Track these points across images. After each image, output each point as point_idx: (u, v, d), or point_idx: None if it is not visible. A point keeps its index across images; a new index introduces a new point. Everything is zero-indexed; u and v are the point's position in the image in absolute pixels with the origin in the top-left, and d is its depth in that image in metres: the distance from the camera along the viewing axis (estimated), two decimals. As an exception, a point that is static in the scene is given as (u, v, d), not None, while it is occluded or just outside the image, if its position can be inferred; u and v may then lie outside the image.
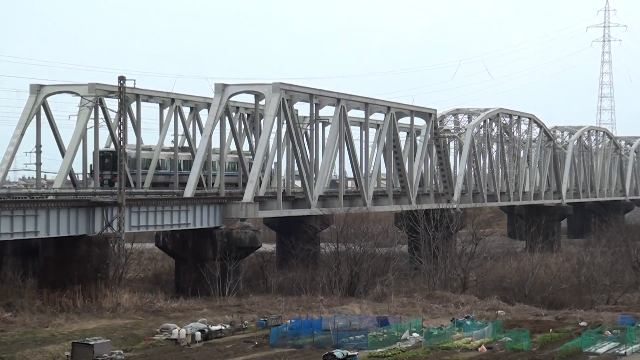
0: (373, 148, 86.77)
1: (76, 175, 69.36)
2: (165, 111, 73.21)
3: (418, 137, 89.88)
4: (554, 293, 62.45)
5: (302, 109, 77.16)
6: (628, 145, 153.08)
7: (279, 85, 66.68)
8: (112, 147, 69.27)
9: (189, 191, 63.14)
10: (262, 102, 70.78)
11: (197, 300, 56.94)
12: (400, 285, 65.78)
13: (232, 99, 69.79)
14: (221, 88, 66.58)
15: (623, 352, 38.82)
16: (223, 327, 46.28)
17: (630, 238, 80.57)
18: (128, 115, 66.16)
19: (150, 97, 71.63)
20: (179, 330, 44.01)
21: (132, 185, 66.96)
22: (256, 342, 43.32)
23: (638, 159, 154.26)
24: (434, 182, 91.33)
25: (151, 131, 77.35)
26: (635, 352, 39.13)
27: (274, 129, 68.35)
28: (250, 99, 73.97)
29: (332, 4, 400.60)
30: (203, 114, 74.70)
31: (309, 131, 75.09)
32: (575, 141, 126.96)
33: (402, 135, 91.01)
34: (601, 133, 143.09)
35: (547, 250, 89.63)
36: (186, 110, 75.80)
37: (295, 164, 70.13)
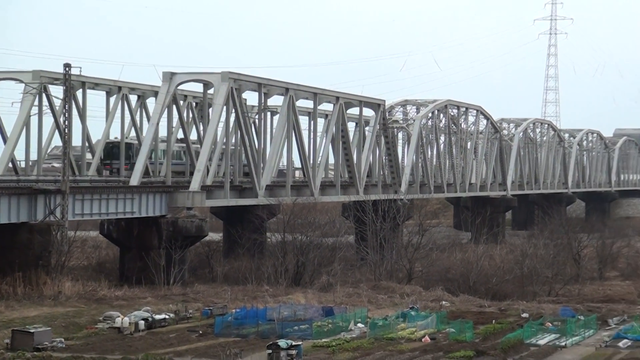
0: (321, 138, 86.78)
1: (19, 163, 68.58)
2: (112, 99, 72.54)
3: (367, 128, 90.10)
4: (498, 284, 63.05)
5: (251, 98, 76.98)
6: (571, 138, 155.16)
7: (228, 75, 66.38)
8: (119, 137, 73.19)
9: (134, 179, 62.61)
10: (210, 91, 70.41)
11: (142, 289, 56.54)
12: (346, 275, 65.93)
13: (180, 87, 69.36)
14: (169, 76, 66.11)
15: (563, 343, 39.32)
16: (167, 316, 46.04)
17: (572, 230, 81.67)
18: (74, 103, 65.34)
19: (96, 84, 71.02)
20: (122, 319, 43.63)
21: (151, 173, 69.86)
22: (200, 332, 43.18)
23: (580, 152, 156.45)
24: (381, 173, 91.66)
25: (98, 119, 76.82)
26: (575, 344, 39.66)
27: (223, 118, 68.05)
28: (199, 87, 73.56)
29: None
30: (151, 102, 74.20)
31: (257, 120, 74.88)
32: (521, 133, 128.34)
33: (351, 126, 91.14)
34: (546, 125, 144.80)
35: (492, 241, 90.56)
36: (133, 99, 75.26)
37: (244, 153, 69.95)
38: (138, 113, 75.54)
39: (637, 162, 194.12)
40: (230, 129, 69.94)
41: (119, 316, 44.47)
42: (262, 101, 72.89)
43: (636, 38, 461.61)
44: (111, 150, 72.41)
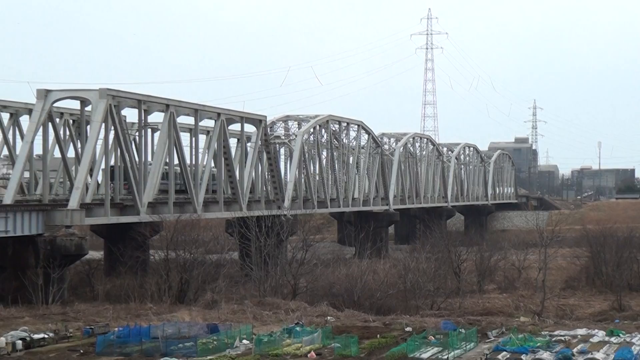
0: (203, 154, 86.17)
1: None
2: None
3: (248, 144, 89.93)
4: (382, 299, 63.54)
5: (131, 115, 75.93)
6: (450, 152, 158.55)
7: (106, 91, 65.33)
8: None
9: (8, 197, 60.85)
10: (88, 108, 69.13)
11: (18, 308, 54.73)
12: (231, 292, 65.46)
13: (57, 104, 67.91)
14: (44, 94, 64.73)
15: (446, 357, 39.85)
16: (46, 336, 44.69)
17: (452, 244, 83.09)
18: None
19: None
20: (-2, 340, 42.07)
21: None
22: (81, 351, 42.09)
23: (458, 166, 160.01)
24: (264, 189, 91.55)
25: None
26: (457, 357, 40.25)
27: (102, 135, 66.97)
28: (76, 105, 72.16)
29: (159, 10, 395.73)
30: (24, 120, 72.53)
31: (137, 137, 73.90)
32: (401, 148, 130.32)
33: (233, 142, 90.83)
34: (425, 140, 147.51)
35: (376, 256, 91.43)
36: (5, 116, 73.61)
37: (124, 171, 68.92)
38: (10, 131, 73.94)
39: (511, 176, 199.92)
40: (110, 146, 68.89)
41: (-6, 337, 42.88)
42: (142, 118, 71.95)
43: (507, 52, 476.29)
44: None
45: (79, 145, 74.71)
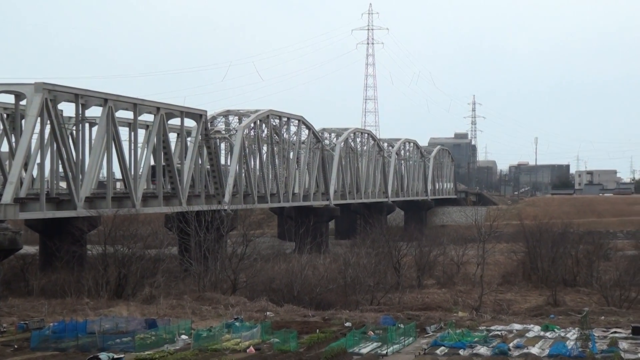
0: (143, 149, 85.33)
1: None
2: None
3: (188, 139, 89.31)
4: (322, 294, 63.64)
5: (69, 109, 74.90)
6: (390, 148, 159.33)
7: (42, 85, 64.27)
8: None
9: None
10: (23, 102, 68.01)
11: (-50, 305, 53.79)
12: (170, 287, 65.01)
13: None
14: (-25, 88, 63.50)
15: (385, 352, 40.03)
16: (-21, 332, 43.94)
17: (392, 239, 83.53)
18: None
19: None
20: None
21: None
22: (15, 346, 41.45)
23: (399, 161, 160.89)
24: (204, 184, 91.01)
25: None
26: (395, 352, 40.46)
27: (37, 130, 65.89)
28: (10, 99, 70.96)
29: (97, 3, 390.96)
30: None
31: (74, 132, 72.94)
32: (342, 143, 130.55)
33: (173, 137, 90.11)
34: (366, 135, 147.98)
35: (316, 251, 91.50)
36: None
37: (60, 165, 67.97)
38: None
39: (450, 171, 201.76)
40: (46, 141, 67.92)
41: None
42: (80, 112, 71.04)
43: (447, 48, 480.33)
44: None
45: (13, 139, 73.56)
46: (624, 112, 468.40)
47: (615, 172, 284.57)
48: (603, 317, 54.48)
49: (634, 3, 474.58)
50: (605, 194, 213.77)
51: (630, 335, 45.15)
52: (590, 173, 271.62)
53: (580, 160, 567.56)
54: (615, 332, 46.37)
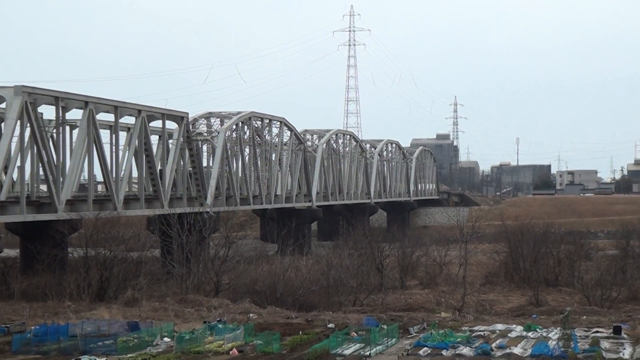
0: (124, 151, 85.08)
1: None
2: None
3: (170, 141, 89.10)
4: (305, 295, 63.57)
5: (49, 112, 74.58)
6: (372, 149, 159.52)
7: (21, 88, 64.01)
8: None
9: None
10: (2, 105, 67.67)
11: None
12: (152, 289, 64.83)
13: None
14: (-45, 91, 63.16)
15: (368, 353, 40.01)
16: (-40, 336, 43.65)
17: (375, 240, 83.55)
18: None
19: None
20: None
21: None
22: (-3, 350, 41.26)
23: (381, 162, 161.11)
24: (187, 186, 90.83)
25: None
26: (379, 353, 40.46)
27: (17, 133, 65.53)
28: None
29: (78, 6, 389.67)
30: None
31: (55, 135, 72.64)
32: (324, 144, 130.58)
33: (154, 139, 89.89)
34: (348, 136, 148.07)
35: (299, 253, 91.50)
36: None
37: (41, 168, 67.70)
38: None
39: (433, 172, 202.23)
40: (26, 144, 67.58)
41: None
42: (60, 115, 70.76)
43: (428, 49, 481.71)
44: None
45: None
46: (604, 112, 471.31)
47: (595, 172, 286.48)
48: (585, 317, 54.67)
49: (615, 4, 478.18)
50: (586, 194, 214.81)
51: (612, 334, 45.31)
52: (571, 173, 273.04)
53: (561, 160, 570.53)
54: (596, 332, 46.53)
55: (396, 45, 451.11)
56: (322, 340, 42.77)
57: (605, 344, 42.24)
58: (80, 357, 37.02)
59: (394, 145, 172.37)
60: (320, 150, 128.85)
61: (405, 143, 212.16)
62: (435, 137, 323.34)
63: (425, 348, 40.96)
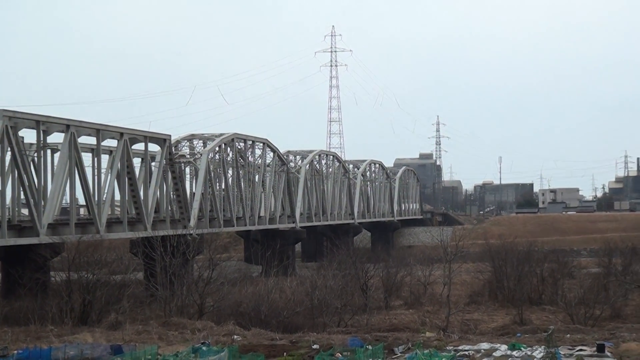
0: (106, 174, 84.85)
1: None
2: None
3: (153, 163, 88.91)
4: (289, 317, 63.36)
5: (30, 135, 74.34)
6: (356, 169, 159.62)
7: (2, 112, 63.89)
8: None
9: None
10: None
11: None
12: (136, 312, 64.48)
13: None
14: None
15: (353, 372, 39.97)
16: (-59, 363, 43.27)
17: (359, 261, 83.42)
18: None
19: None
20: None
21: None
22: (-21, 377, 40.94)
23: (364, 183, 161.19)
24: (170, 208, 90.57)
25: None
26: (364, 373, 40.43)
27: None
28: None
29: (60, 28, 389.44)
30: None
31: (36, 158, 72.38)
32: (307, 165, 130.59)
33: (137, 162, 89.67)
34: (331, 157, 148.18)
35: (283, 274, 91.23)
36: None
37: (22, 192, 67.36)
38: None
39: (416, 192, 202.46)
40: (7, 168, 67.28)
41: None
42: (41, 139, 70.52)
43: (410, 69, 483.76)
44: None
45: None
46: (585, 131, 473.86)
47: (577, 190, 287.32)
48: (569, 335, 54.70)
49: (594, 19, 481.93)
50: (569, 212, 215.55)
51: (595, 352, 45.40)
52: (553, 191, 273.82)
53: (543, 178, 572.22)
54: (580, 350, 46.59)
55: (378, 65, 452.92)
56: (307, 361, 42.65)
57: (589, 362, 42.28)
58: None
59: (377, 165, 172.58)
60: (304, 171, 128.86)
61: (389, 163, 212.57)
62: (418, 156, 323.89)
63: (410, 368, 40.91)
